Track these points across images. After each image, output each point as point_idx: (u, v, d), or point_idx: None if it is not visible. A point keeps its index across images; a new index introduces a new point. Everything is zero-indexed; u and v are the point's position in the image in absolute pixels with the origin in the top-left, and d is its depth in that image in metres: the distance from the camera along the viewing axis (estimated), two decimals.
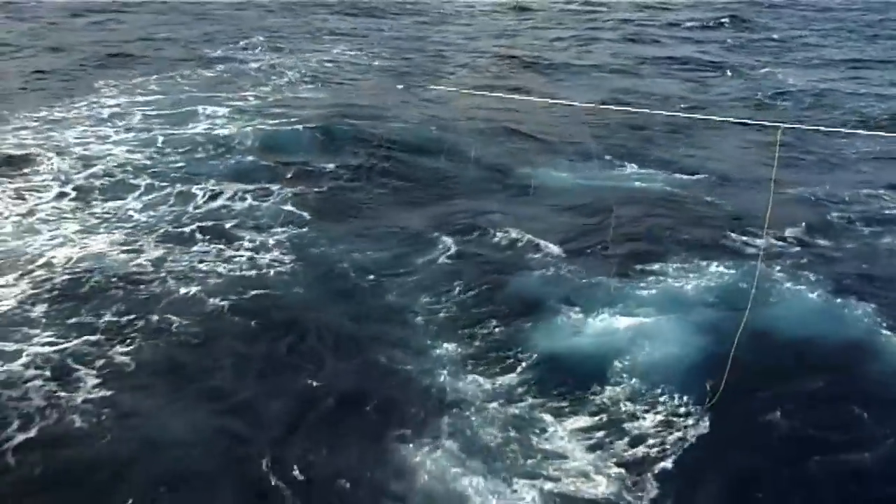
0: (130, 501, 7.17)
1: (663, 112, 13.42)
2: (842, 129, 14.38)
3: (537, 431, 8.32)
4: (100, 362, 9.15)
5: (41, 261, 11.54)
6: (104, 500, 7.27)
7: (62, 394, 8.54)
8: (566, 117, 21.04)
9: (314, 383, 9.05)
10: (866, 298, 11.05)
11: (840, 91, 24.61)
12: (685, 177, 16.41)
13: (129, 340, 9.64)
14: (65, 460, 7.69)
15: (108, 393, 8.60)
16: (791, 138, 18.89)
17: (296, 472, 7.61)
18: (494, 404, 8.69)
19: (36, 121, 18.79)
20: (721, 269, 11.89)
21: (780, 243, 12.97)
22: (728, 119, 14.30)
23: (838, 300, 11.07)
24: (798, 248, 12.86)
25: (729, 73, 27.89)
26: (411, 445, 7.98)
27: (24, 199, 14.08)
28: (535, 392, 8.98)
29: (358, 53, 30.35)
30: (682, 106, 22.31)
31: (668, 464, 7.88)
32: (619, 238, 12.94)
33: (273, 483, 7.49)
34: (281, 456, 7.83)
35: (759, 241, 12.40)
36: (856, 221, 14.14)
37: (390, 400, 8.77)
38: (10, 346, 9.32)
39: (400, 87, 24.15)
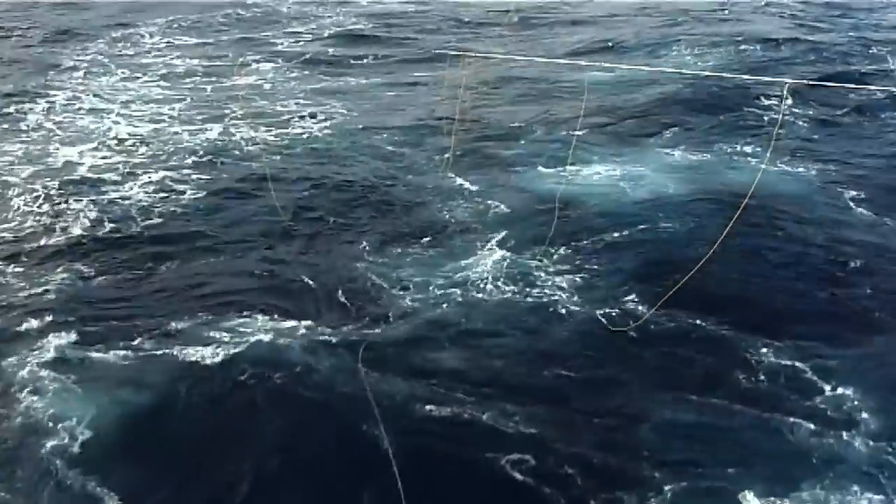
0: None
1: (665, 69, 15.34)
2: (846, 85, 15.62)
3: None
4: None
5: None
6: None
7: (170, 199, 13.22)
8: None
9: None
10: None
11: None
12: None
13: (209, 170, 14.41)
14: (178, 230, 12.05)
15: (200, 194, 13.36)
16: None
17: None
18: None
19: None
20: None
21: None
22: (737, 76, 15.66)
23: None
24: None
25: None
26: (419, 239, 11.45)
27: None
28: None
29: None
30: None
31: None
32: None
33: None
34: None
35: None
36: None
37: (410, 210, 12.58)
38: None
39: None
